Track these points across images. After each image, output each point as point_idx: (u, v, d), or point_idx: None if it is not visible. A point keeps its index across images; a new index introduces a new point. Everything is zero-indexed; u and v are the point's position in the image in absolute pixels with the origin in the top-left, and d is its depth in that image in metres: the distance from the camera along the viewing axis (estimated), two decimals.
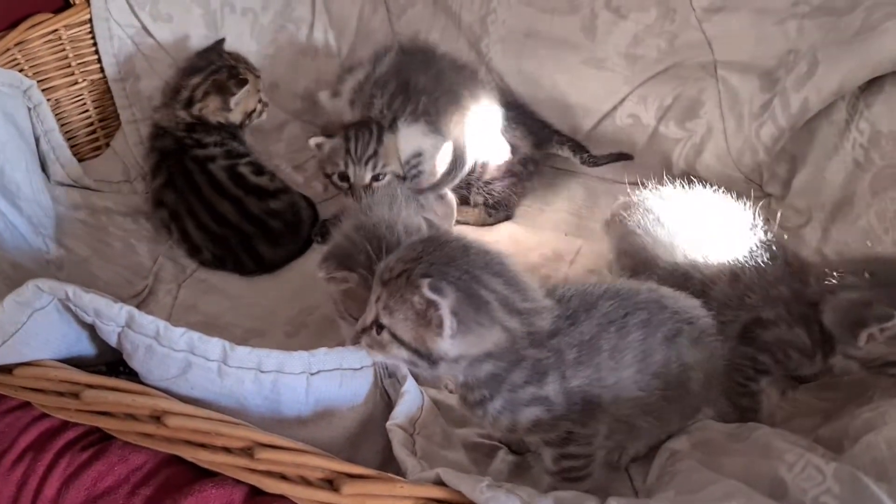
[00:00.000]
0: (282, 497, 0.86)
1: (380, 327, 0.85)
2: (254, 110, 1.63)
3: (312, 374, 0.89)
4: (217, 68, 1.60)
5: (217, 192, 1.48)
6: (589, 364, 0.85)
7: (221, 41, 1.67)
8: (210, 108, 1.57)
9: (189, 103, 1.57)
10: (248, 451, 0.79)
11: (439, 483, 0.75)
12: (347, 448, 0.91)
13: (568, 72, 1.63)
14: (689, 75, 1.56)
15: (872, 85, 1.35)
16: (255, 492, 0.87)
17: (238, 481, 0.87)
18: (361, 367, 0.92)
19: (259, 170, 1.55)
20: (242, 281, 1.45)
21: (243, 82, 1.57)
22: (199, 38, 1.69)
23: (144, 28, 1.64)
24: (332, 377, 0.89)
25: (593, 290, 0.91)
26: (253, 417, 0.88)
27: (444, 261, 0.83)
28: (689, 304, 0.94)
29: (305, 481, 0.77)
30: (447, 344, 0.81)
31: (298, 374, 0.88)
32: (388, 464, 0.88)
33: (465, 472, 0.77)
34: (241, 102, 1.59)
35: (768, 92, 1.46)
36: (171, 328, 0.85)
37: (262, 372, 0.86)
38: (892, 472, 0.70)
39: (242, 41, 1.74)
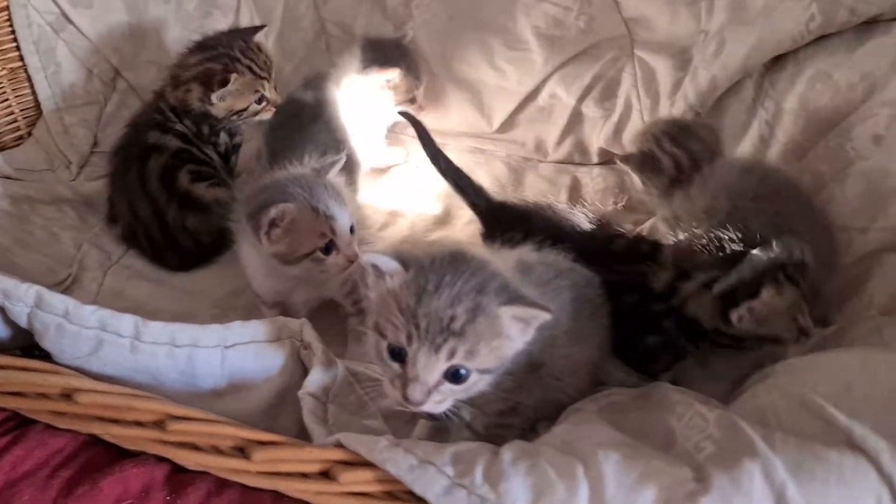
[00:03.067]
0: (203, 473, 0.87)
1: (458, 377, 0.80)
2: (244, 109, 1.52)
3: (227, 348, 0.90)
4: (217, 55, 1.50)
5: (140, 185, 1.44)
6: None
7: (256, 29, 1.58)
8: (193, 95, 1.49)
9: (175, 83, 1.51)
10: (160, 424, 0.80)
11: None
12: (265, 419, 0.92)
13: (491, 54, 1.66)
14: (607, 55, 1.60)
15: (776, 63, 1.41)
16: (176, 469, 0.88)
17: (160, 460, 0.88)
18: (278, 340, 0.94)
19: (201, 177, 1.47)
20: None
21: (224, 82, 1.46)
22: (121, 25, 1.68)
23: (64, 14, 1.62)
24: (247, 350, 0.91)
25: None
26: (169, 392, 0.88)
27: (494, 278, 0.82)
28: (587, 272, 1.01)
29: (217, 450, 0.79)
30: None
31: (213, 348, 0.89)
32: (307, 432, 0.90)
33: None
34: (226, 99, 1.49)
35: (681, 71, 1.51)
36: (81, 306, 0.85)
37: (175, 346, 0.87)
38: (771, 418, 0.74)
39: (167, 27, 1.73)
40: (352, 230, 1.17)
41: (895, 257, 1.13)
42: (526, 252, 0.99)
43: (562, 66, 1.62)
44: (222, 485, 0.86)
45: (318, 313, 1.27)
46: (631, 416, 0.90)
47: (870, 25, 1.32)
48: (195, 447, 0.79)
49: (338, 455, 0.76)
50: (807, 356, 0.85)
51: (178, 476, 0.87)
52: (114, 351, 0.86)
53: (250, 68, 1.51)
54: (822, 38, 1.35)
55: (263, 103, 1.54)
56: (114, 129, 1.71)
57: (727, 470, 0.66)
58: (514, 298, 0.80)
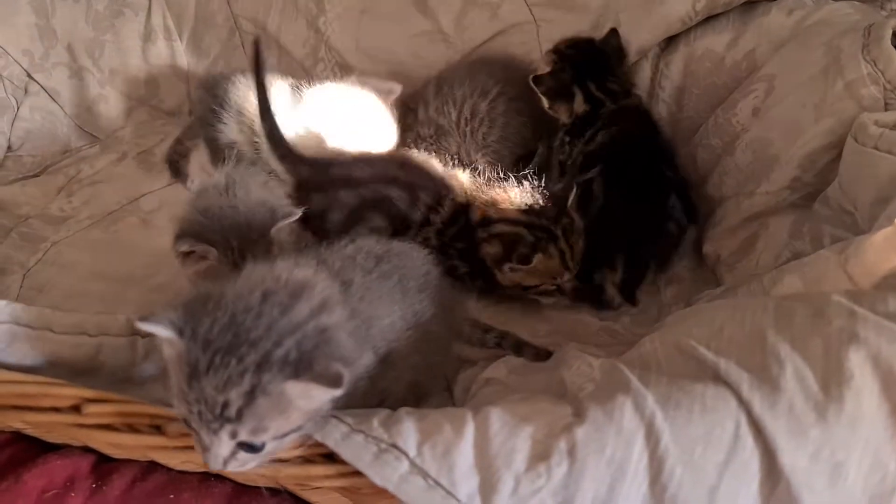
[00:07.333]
0: (129, 461, 0.90)
1: (253, 447, 0.73)
2: (533, 287, 1.29)
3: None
4: (537, 225, 1.26)
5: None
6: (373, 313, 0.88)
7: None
8: (489, 248, 1.28)
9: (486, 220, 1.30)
10: (76, 409, 0.82)
11: None
12: None
13: (404, 45, 1.69)
14: (514, 41, 1.65)
15: (670, 44, 1.49)
16: (102, 459, 0.90)
17: (85, 451, 0.90)
18: None
19: None
20: (87, 267, 1.44)
21: (526, 260, 1.24)
22: (29, 27, 1.66)
23: None
24: None
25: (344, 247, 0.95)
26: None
27: (282, 342, 0.72)
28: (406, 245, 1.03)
29: (134, 429, 0.81)
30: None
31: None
32: None
33: None
34: (518, 272, 1.27)
35: None
36: None
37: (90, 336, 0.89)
38: (652, 363, 0.80)
39: (77, 28, 1.72)
40: None
41: (778, 220, 1.22)
42: (342, 248, 0.96)
43: (472, 52, 1.67)
44: (148, 470, 0.89)
45: None
46: (536, 377, 0.96)
47: (752, 6, 1.41)
48: (112, 428, 0.82)
49: None
50: (689, 308, 0.91)
51: (104, 465, 0.90)
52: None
53: (562, 253, 1.27)
54: (710, 19, 1.44)
55: (554, 288, 1.31)
56: (28, 134, 1.71)
57: (601, 404, 0.71)
58: (303, 369, 0.71)
